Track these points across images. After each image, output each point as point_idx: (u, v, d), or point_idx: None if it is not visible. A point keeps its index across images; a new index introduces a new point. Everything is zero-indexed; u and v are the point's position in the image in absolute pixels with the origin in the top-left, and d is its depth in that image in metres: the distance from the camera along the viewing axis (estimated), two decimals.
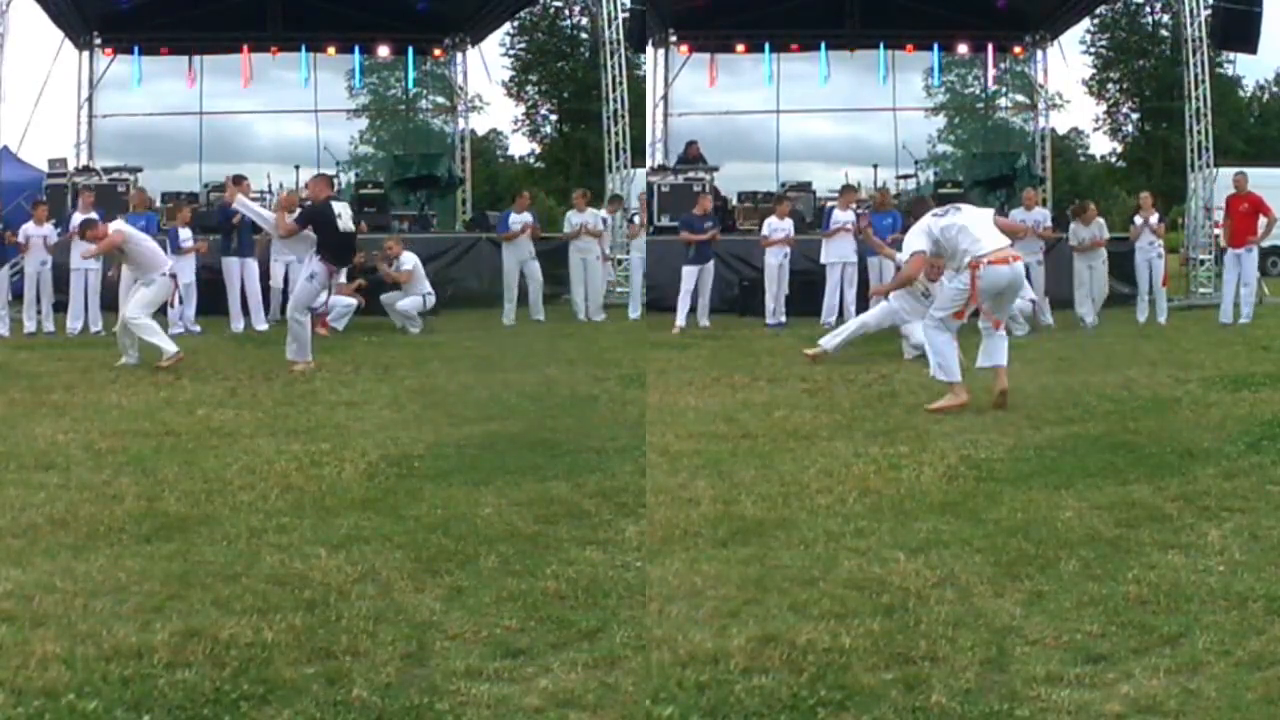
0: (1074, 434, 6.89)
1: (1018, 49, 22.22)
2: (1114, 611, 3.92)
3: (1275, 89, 43.32)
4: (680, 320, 14.03)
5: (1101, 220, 14.83)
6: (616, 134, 17.53)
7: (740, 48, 22.20)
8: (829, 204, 18.22)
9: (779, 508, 5.27)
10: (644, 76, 22.35)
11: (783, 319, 14.42)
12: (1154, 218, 14.87)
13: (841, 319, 14.63)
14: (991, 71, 22.90)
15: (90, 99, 21.01)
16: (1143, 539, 4.73)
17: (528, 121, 43.02)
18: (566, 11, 40.94)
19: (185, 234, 14.08)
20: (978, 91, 24.27)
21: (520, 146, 44.79)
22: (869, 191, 18.68)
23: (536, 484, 5.67)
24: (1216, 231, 17.52)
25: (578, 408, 8.00)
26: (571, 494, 5.49)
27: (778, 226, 14.82)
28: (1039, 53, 22.15)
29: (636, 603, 4.05)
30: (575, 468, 6.00)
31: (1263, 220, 14.39)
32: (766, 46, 22.02)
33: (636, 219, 16.27)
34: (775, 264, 14.56)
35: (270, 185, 19.93)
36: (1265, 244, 15.20)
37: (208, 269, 14.50)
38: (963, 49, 22.42)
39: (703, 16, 21.14)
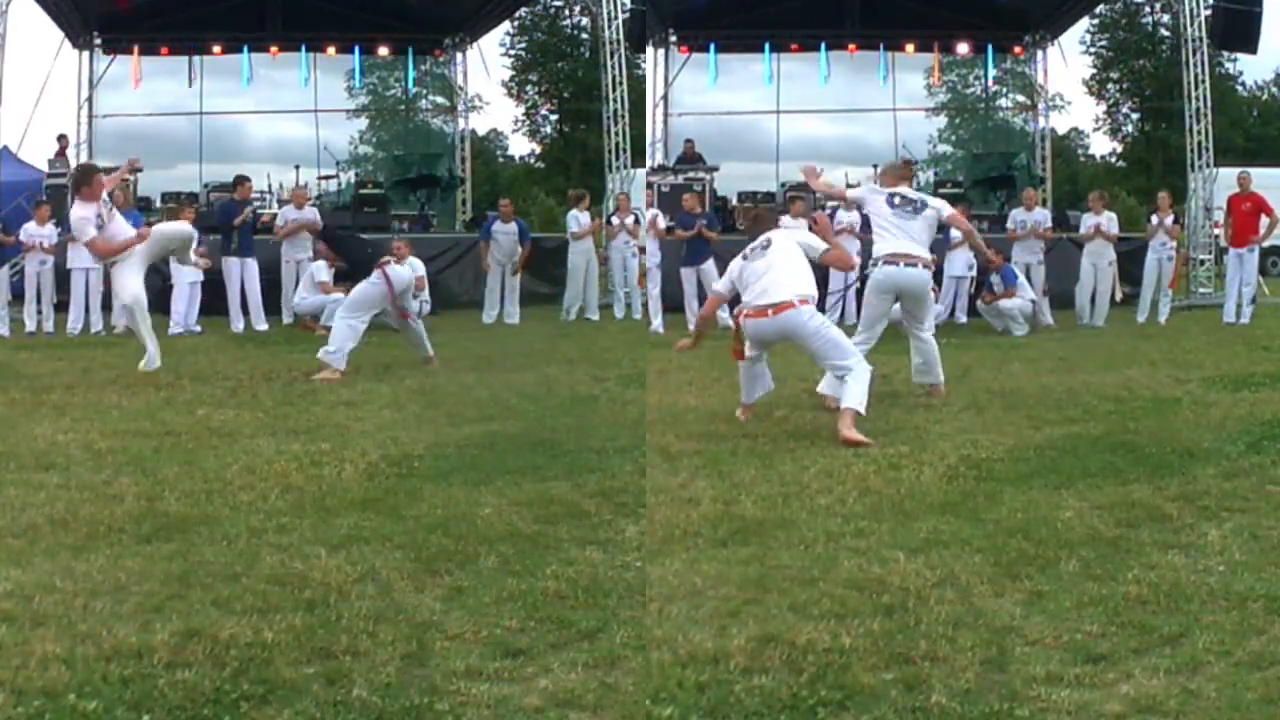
0: (1074, 434, 6.89)
1: (1018, 49, 22.23)
2: (1114, 611, 3.91)
3: (1275, 89, 43.33)
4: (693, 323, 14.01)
5: (1111, 214, 14.84)
6: (617, 134, 17.52)
7: (740, 48, 22.21)
8: (830, 204, 18.26)
9: (779, 508, 5.27)
10: (644, 76, 22.35)
11: None
12: (1169, 219, 14.90)
13: (843, 319, 14.65)
14: (992, 71, 22.91)
15: (90, 99, 20.98)
16: (1143, 539, 4.73)
17: (528, 121, 43.05)
18: (566, 11, 41.00)
19: None
20: (978, 91, 24.29)
21: (520, 147, 44.82)
22: None
23: (536, 484, 5.66)
24: (1216, 231, 17.53)
25: (578, 408, 7.99)
26: (571, 494, 5.48)
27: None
28: (1039, 53, 22.15)
29: (636, 603, 4.05)
30: (575, 468, 5.99)
31: (1264, 220, 14.39)
32: (766, 46, 22.04)
33: (614, 219, 16.15)
34: None
35: (270, 185, 19.92)
36: (1265, 244, 15.20)
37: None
38: (963, 49, 22.43)
39: (703, 16, 21.16)
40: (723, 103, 22.24)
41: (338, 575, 4.28)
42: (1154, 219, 15.08)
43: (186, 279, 13.74)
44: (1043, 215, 15.42)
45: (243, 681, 3.37)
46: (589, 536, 4.82)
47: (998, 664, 3.53)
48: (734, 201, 19.18)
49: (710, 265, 14.44)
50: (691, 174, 18.04)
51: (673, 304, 14.46)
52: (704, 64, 22.05)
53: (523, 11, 35.78)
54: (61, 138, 19.13)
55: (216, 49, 21.37)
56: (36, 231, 13.70)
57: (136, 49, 20.93)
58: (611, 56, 17.53)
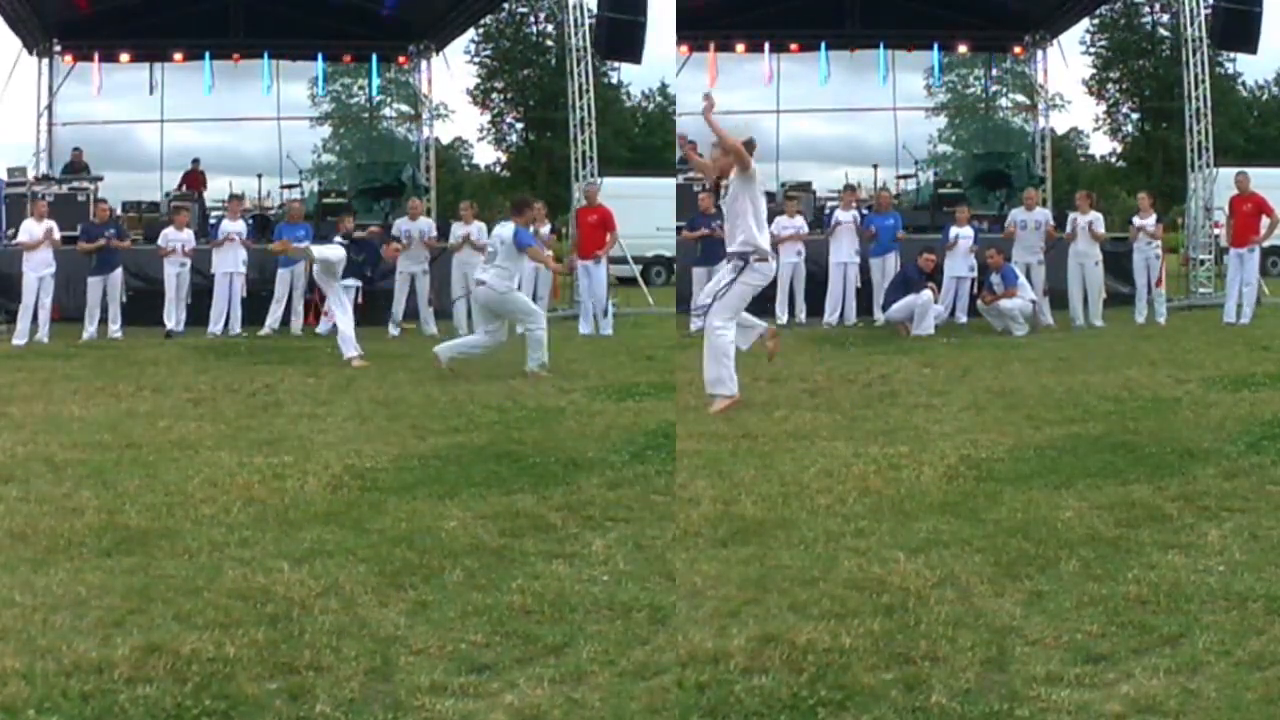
0: (1074, 434, 6.89)
1: (1018, 49, 22.23)
2: (1114, 611, 3.92)
3: (1275, 89, 43.31)
4: (696, 322, 13.95)
5: (1097, 214, 14.84)
6: (583, 142, 17.30)
7: (740, 48, 22.21)
8: (829, 204, 18.31)
9: (779, 508, 5.27)
10: (610, 83, 22.04)
11: (801, 318, 14.37)
12: (1151, 219, 14.88)
13: (843, 319, 14.66)
14: (992, 71, 22.91)
15: (50, 106, 20.54)
16: (1143, 539, 4.73)
17: (493, 130, 42.86)
18: (532, 19, 40.85)
19: (187, 235, 14.58)
20: (978, 91, 24.26)
21: (486, 155, 44.57)
22: (869, 192, 18.67)
23: (502, 497, 5.57)
24: (1216, 231, 17.53)
25: (544, 419, 7.76)
26: (537, 507, 5.39)
27: (788, 225, 14.79)
28: (1039, 53, 22.13)
29: (604, 617, 3.99)
30: (541, 480, 5.89)
31: (1265, 220, 14.40)
32: (766, 46, 22.04)
33: (459, 228, 15.06)
34: (787, 263, 14.52)
35: (231, 194, 19.60)
36: (1265, 244, 15.20)
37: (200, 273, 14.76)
38: (963, 49, 22.44)
39: (703, 16, 21.13)
40: (722, 103, 22.15)
41: (301, 589, 4.22)
42: (1135, 220, 15.09)
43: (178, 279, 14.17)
44: (1043, 215, 15.41)
45: (204, 697, 3.33)
46: (555, 550, 4.75)
47: (998, 664, 3.53)
48: None
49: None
50: (692, 174, 18.01)
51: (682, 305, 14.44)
52: (704, 64, 22.04)
53: (488, 19, 35.53)
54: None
55: (178, 56, 20.95)
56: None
57: (97, 56, 20.57)
58: (578, 64, 17.36)
